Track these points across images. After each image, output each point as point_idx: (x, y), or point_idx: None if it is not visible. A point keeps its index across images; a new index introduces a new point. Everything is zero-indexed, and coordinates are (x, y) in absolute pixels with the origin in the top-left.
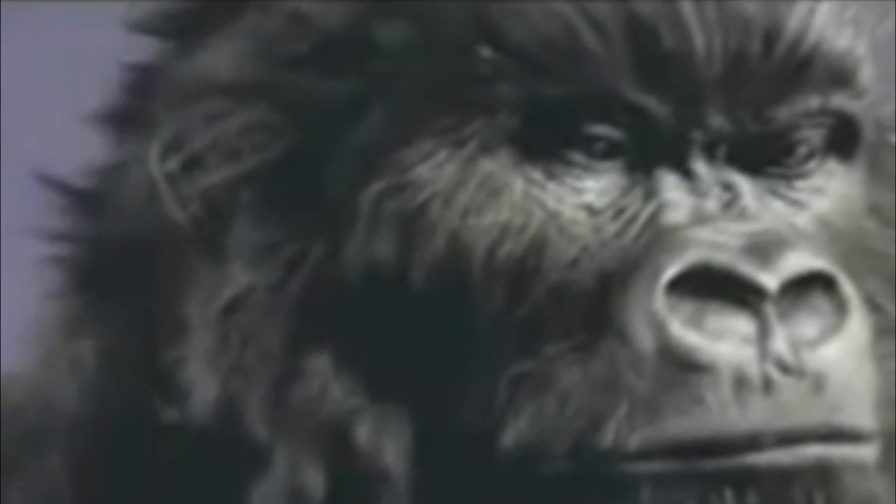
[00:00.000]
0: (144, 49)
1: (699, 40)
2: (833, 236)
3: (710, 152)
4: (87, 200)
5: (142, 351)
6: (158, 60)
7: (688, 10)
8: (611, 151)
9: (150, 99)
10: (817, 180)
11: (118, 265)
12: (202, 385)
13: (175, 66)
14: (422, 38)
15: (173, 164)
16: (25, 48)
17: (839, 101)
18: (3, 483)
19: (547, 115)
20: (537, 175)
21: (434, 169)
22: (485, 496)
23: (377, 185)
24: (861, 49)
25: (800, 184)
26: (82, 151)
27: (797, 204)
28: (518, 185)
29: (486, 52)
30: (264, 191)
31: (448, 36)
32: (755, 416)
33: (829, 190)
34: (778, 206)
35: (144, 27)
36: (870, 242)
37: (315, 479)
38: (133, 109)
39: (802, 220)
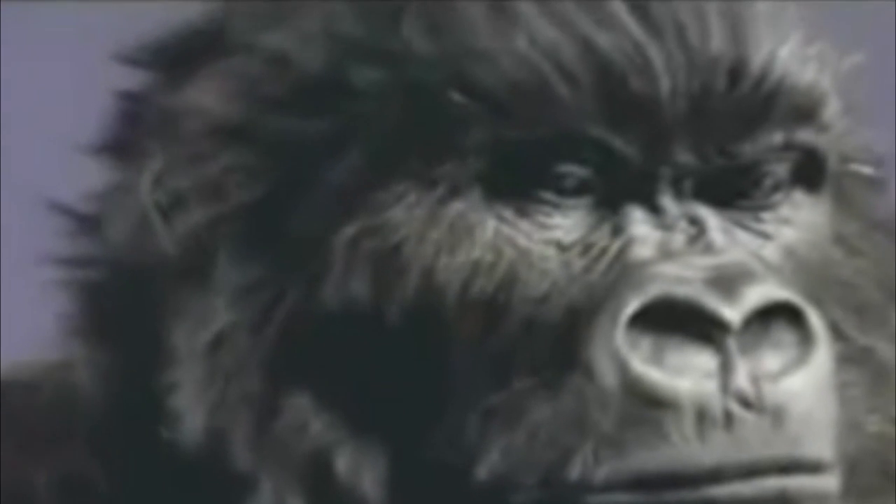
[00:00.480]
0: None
1: (665, 81)
2: (799, 266)
3: (677, 187)
4: (89, 225)
5: (139, 374)
6: (148, 90)
7: (653, 52)
8: (580, 189)
9: (140, 129)
10: (784, 211)
11: (116, 290)
12: (191, 414)
13: (163, 98)
14: (395, 82)
15: (162, 196)
16: (25, 48)
17: (804, 135)
18: (27, 459)
19: (516, 156)
20: (508, 213)
21: (406, 210)
22: None
23: (352, 227)
24: (825, 84)
25: (766, 215)
26: (83, 149)
27: (763, 235)
28: (489, 223)
29: (456, 96)
30: (245, 230)
31: (420, 81)
32: (717, 450)
33: (796, 221)
34: (744, 237)
35: (133, 59)
36: (835, 271)
37: None
38: (125, 139)
39: (769, 251)
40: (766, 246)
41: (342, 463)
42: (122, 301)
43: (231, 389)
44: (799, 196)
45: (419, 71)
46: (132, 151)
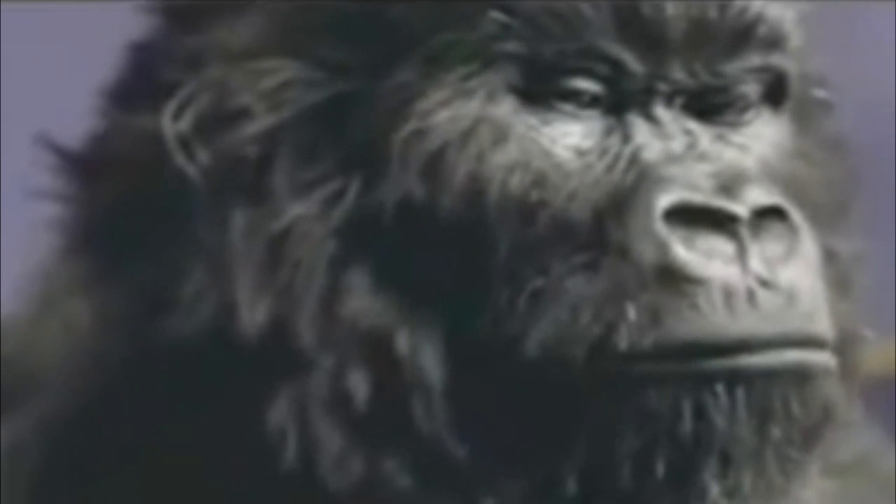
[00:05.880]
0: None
1: (669, 6)
2: (772, 175)
3: (670, 102)
4: (86, 164)
5: (151, 290)
6: (163, 38)
7: None
8: (591, 101)
9: (155, 71)
10: (755, 128)
11: (121, 226)
12: (250, 307)
13: (187, 41)
14: (435, 5)
15: (185, 123)
16: (25, 48)
17: (776, 59)
18: None
19: (542, 70)
20: (534, 122)
21: (449, 115)
22: (510, 400)
23: (404, 130)
24: (791, 16)
25: (743, 130)
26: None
27: (742, 148)
28: (520, 129)
29: (496, 15)
30: (306, 135)
31: (459, 3)
32: (743, 322)
33: (765, 136)
34: (727, 149)
35: (155, 8)
36: (798, 181)
37: (359, 383)
38: (137, 83)
39: (748, 160)
40: (745, 157)
41: (402, 341)
42: (132, 236)
43: (298, 275)
44: (767, 115)
45: None
46: (145, 93)
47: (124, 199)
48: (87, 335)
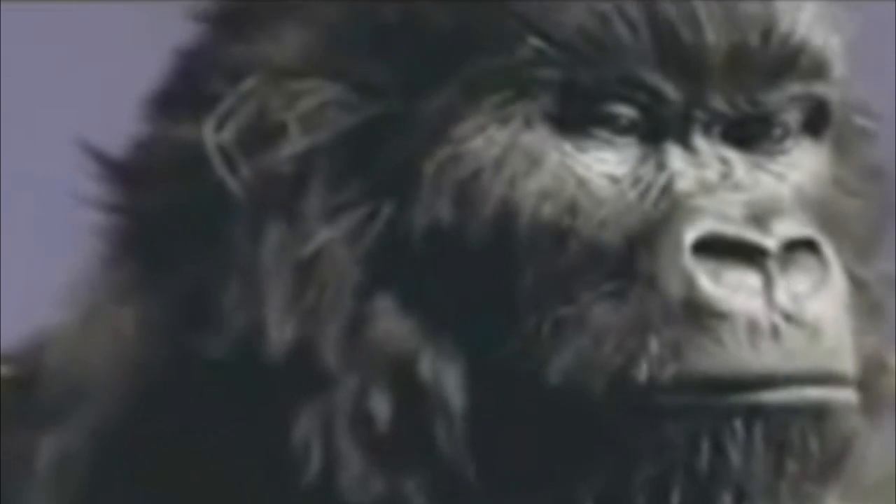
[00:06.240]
0: (191, 36)
1: (709, 34)
2: (806, 204)
3: (707, 130)
4: (128, 172)
5: (190, 300)
6: (208, 47)
7: (701, 9)
8: (628, 128)
9: (199, 81)
10: (794, 156)
11: (162, 235)
12: (278, 326)
13: (232, 51)
14: (474, 30)
15: (226, 136)
16: (25, 48)
17: (819, 88)
18: (39, 437)
19: (579, 96)
20: (569, 148)
21: (485, 141)
22: (530, 426)
23: (439, 155)
24: (836, 43)
25: (781, 159)
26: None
27: (779, 176)
28: (554, 156)
29: (533, 41)
30: (339, 158)
31: (497, 28)
32: (766, 358)
33: (803, 165)
34: (763, 177)
35: (201, 16)
36: (834, 210)
37: (381, 405)
38: (180, 91)
39: (783, 189)
40: (780, 185)
41: (426, 366)
42: (172, 247)
43: (325, 298)
44: (806, 143)
45: (495, 19)
46: (189, 102)
47: (165, 209)
48: (131, 344)
